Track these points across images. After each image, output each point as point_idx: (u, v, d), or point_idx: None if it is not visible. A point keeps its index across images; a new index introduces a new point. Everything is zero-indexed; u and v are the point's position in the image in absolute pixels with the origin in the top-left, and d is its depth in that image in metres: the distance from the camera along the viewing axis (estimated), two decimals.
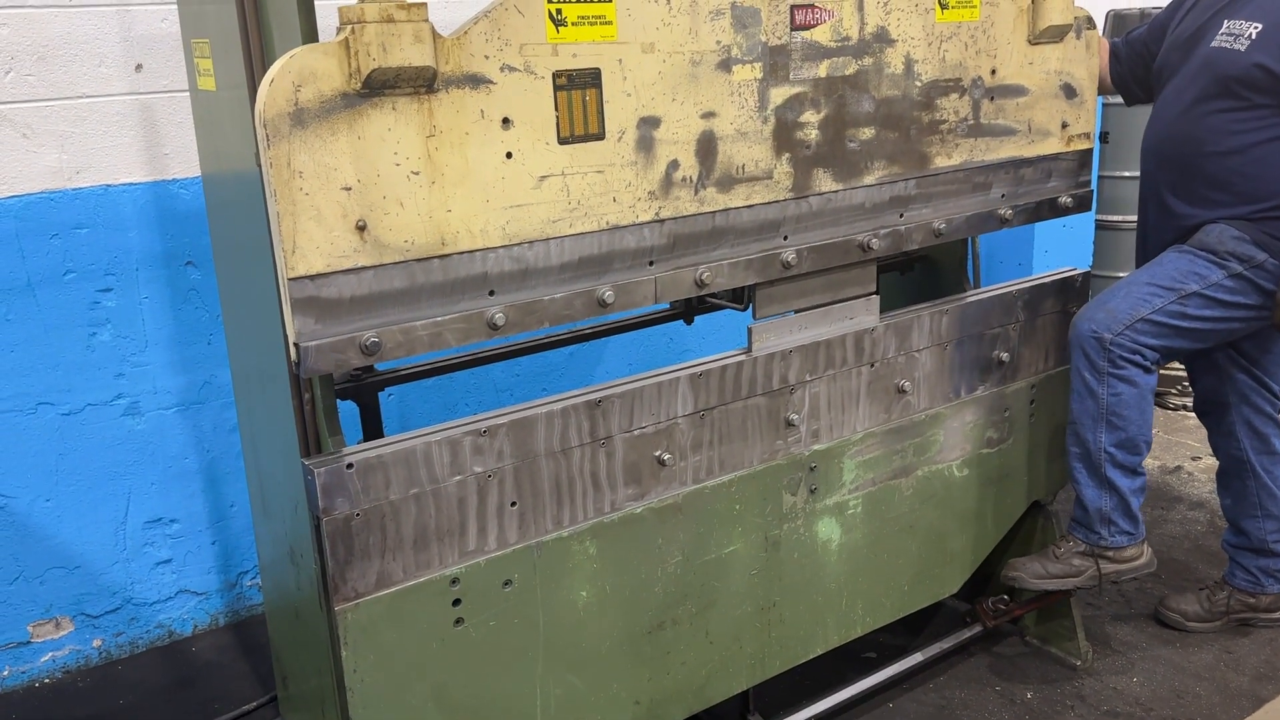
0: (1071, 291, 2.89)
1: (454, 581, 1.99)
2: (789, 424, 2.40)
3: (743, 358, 2.31)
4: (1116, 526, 2.75)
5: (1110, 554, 2.77)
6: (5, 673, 3.11)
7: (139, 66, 3.04)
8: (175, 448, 3.26)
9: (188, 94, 2.40)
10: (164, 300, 3.17)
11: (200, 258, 3.19)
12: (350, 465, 1.85)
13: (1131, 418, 2.69)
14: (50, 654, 3.17)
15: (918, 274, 3.05)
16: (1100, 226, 4.96)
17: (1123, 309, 2.68)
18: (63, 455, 3.08)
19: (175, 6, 2.37)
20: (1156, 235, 2.92)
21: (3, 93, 2.86)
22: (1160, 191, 2.87)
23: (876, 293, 2.53)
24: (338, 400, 2.11)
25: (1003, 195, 2.62)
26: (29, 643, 3.13)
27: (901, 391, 2.58)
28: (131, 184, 3.08)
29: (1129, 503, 2.75)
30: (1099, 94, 3.06)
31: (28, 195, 2.93)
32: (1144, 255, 2.98)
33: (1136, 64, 3.02)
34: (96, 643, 3.24)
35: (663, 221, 2.07)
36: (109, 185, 3.04)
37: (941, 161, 2.47)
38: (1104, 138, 4.84)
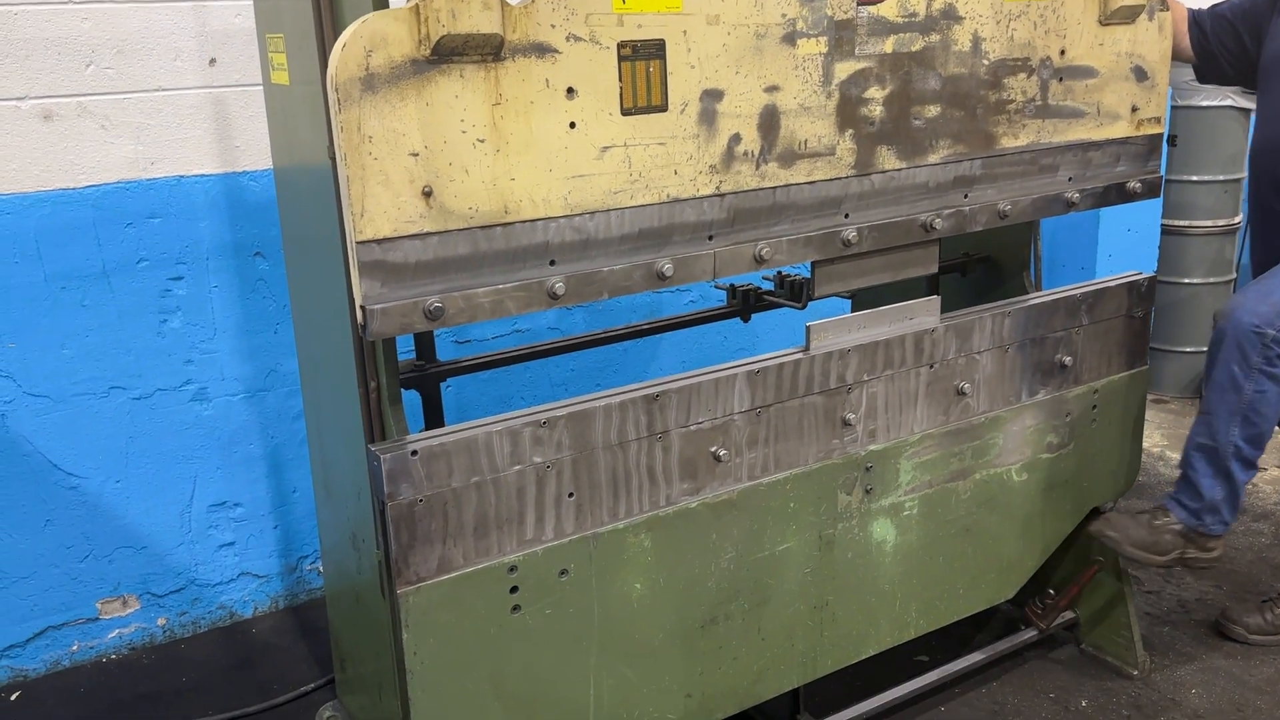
0: (1137, 295, 2.84)
1: (512, 569, 2.02)
2: (846, 423, 2.40)
3: (800, 356, 2.31)
4: (1219, 516, 2.72)
5: (1200, 541, 2.74)
6: (75, 647, 3.21)
7: (213, 60, 3.12)
8: (241, 434, 3.34)
9: (259, 88, 2.46)
10: (233, 290, 3.24)
11: (269, 249, 3.26)
12: (415, 452, 1.88)
13: (1268, 415, 2.66)
14: (117, 631, 3.27)
15: (979, 276, 3.03)
16: (1166, 231, 4.87)
17: None
18: (132, 438, 3.18)
19: (250, 2, 2.43)
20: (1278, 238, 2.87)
21: (83, 85, 2.95)
22: None
23: (937, 290, 2.51)
24: (401, 390, 2.15)
25: (1070, 178, 2.59)
26: (97, 619, 3.23)
27: (961, 393, 2.56)
28: (203, 175, 3.16)
29: (1238, 494, 2.73)
30: (1171, 59, 2.98)
31: (104, 185, 3.02)
32: (1265, 256, 2.92)
33: (1223, 43, 2.92)
34: (161, 621, 3.33)
35: (723, 195, 2.07)
36: (182, 176, 3.12)
37: (1008, 142, 2.44)
38: (1171, 141, 4.75)
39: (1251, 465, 2.71)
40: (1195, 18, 2.97)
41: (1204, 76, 3.04)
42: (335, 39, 2.00)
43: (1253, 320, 2.62)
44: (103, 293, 3.06)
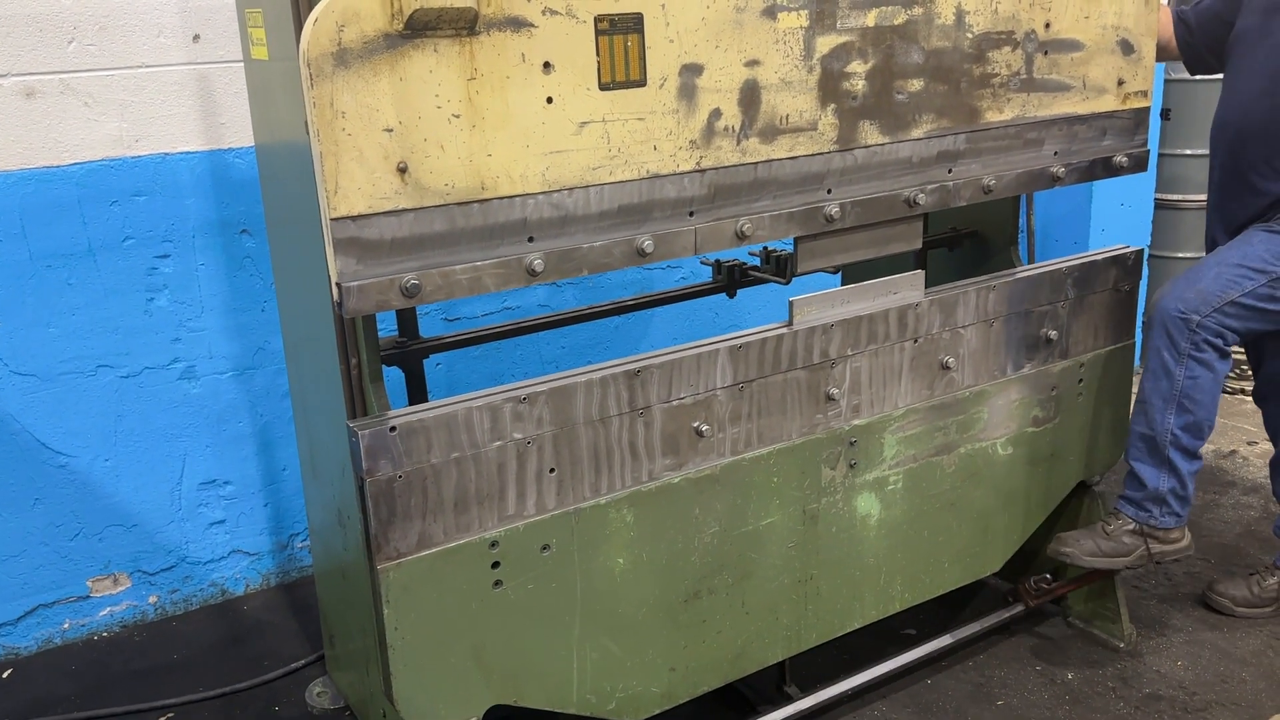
0: (1124, 269, 2.84)
1: (493, 544, 2.02)
2: (829, 398, 2.40)
3: (783, 331, 2.30)
4: (1168, 508, 2.72)
5: (1158, 534, 2.74)
6: (66, 625, 3.23)
7: (196, 37, 3.10)
8: (229, 412, 3.34)
9: (242, 64, 2.45)
10: (219, 267, 3.24)
11: (255, 226, 3.25)
12: (393, 428, 1.88)
13: (1203, 402, 2.66)
14: (108, 608, 3.28)
15: (966, 250, 3.02)
16: (1159, 205, 4.86)
17: (1213, 290, 2.63)
18: (121, 417, 3.18)
19: None
20: (1236, 211, 2.85)
21: (65, 62, 2.93)
22: (1241, 167, 2.80)
23: (924, 265, 2.50)
24: (384, 367, 2.15)
25: (1055, 153, 2.58)
26: (88, 597, 3.25)
27: (945, 368, 2.56)
28: (189, 152, 3.14)
29: (1185, 485, 2.73)
30: (1157, 60, 2.99)
31: (89, 163, 3.01)
32: (1222, 230, 2.91)
33: (1209, 34, 2.93)
34: (152, 599, 3.34)
35: (704, 171, 2.06)
36: (167, 154, 3.11)
37: (992, 116, 2.43)
38: (1165, 114, 4.73)
39: (1193, 455, 2.72)
40: (1180, 16, 2.98)
41: (1193, 70, 3.07)
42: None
43: (1179, 307, 2.64)
44: (89, 271, 3.05)
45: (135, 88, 3.04)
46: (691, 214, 2.07)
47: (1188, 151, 4.77)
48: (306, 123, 1.72)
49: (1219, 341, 2.63)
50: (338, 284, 1.75)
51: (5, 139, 2.89)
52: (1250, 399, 4.57)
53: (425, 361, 2.45)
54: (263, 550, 3.49)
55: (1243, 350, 3.18)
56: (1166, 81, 4.68)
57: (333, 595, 2.64)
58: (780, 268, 2.54)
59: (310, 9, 1.98)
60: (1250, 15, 2.80)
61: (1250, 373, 4.70)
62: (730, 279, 2.77)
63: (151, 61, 3.05)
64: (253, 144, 3.14)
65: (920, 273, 2.49)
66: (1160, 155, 4.77)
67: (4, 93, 2.87)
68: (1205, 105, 4.71)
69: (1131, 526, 2.74)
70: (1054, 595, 2.97)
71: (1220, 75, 2.97)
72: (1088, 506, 2.99)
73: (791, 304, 2.32)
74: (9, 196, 2.92)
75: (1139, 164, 2.74)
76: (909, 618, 3.03)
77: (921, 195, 2.36)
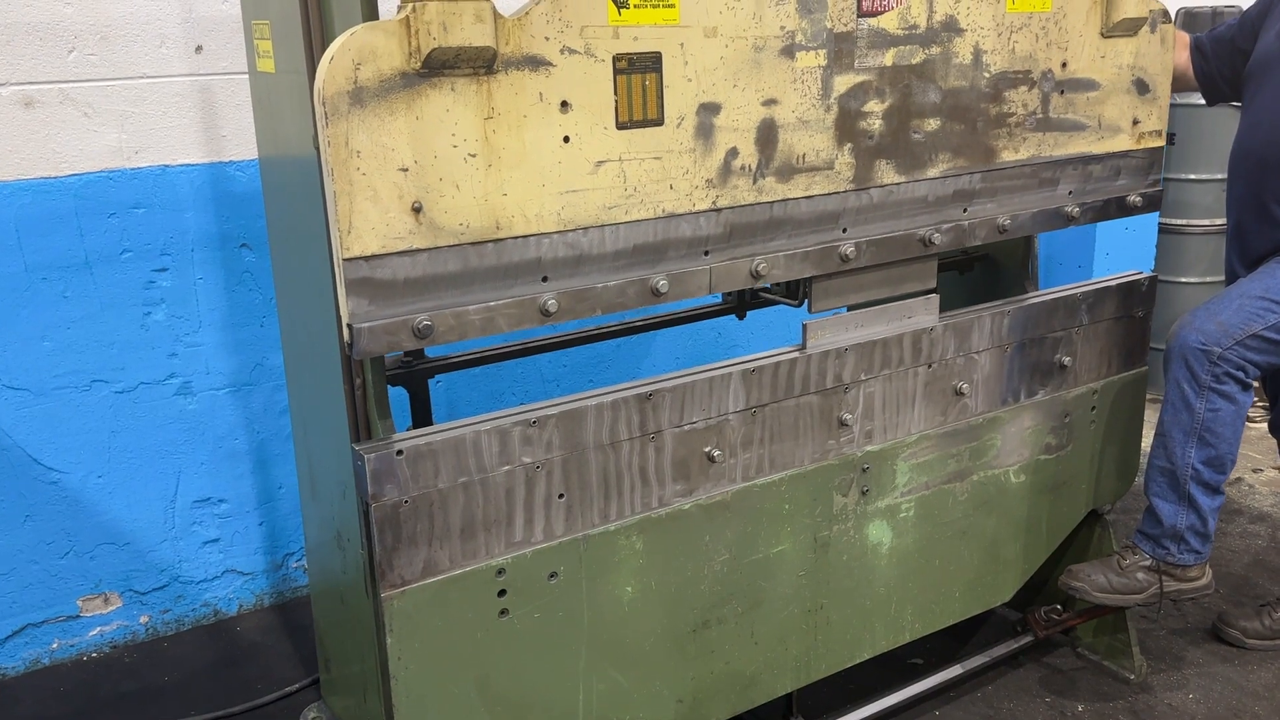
0: (1137, 295, 2.80)
1: (500, 572, 1.97)
2: (842, 424, 2.35)
3: (796, 355, 2.26)
4: (1187, 545, 2.67)
5: (1176, 572, 2.68)
6: (55, 645, 3.16)
7: (199, 48, 3.05)
8: (225, 428, 3.28)
9: (246, 76, 2.41)
10: (218, 282, 3.18)
11: (255, 240, 3.20)
12: (400, 452, 1.83)
13: (1225, 435, 2.61)
14: (99, 628, 3.21)
15: (978, 274, 2.98)
16: (1164, 230, 4.84)
17: (1235, 323, 2.58)
18: (115, 433, 3.12)
19: None
20: (1258, 244, 2.82)
21: (65, 72, 2.88)
22: (1262, 197, 2.77)
23: (936, 291, 2.47)
24: (388, 386, 2.10)
25: (1070, 192, 2.56)
26: (78, 616, 3.17)
27: (959, 394, 2.52)
28: (189, 165, 3.09)
29: (1206, 522, 2.66)
30: (1175, 90, 2.97)
31: (87, 174, 2.96)
32: (1243, 262, 2.88)
33: (1224, 63, 2.91)
34: (144, 619, 3.27)
35: (720, 210, 2.03)
36: (167, 166, 3.06)
37: (1008, 156, 2.41)
38: (1170, 139, 4.71)
39: (1214, 490, 2.66)
40: (1196, 44, 2.96)
41: (1210, 99, 3.04)
42: (321, 26, 1.96)
43: (1200, 339, 2.59)
44: (85, 284, 2.99)
45: (136, 98, 2.99)
46: (707, 253, 2.04)
47: (1192, 176, 4.75)
48: (320, 161, 1.68)
49: (1240, 375, 2.58)
50: (349, 325, 1.71)
51: (2, 149, 2.84)
52: (1256, 425, 4.56)
53: (428, 380, 2.40)
54: (257, 570, 3.43)
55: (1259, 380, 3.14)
56: (1172, 105, 4.66)
57: (329, 618, 2.58)
58: (792, 290, 2.50)
59: (321, 22, 1.95)
60: (1269, 42, 2.77)
61: (1258, 400, 4.69)
62: (741, 300, 2.73)
63: (153, 72, 3.00)
64: (254, 157, 3.10)
65: (935, 296, 2.45)
66: (1165, 180, 4.76)
67: (2, 102, 2.82)
68: (1210, 130, 4.70)
69: (1147, 562, 2.69)
70: (1064, 626, 2.92)
71: (1234, 104, 2.95)
72: (1098, 535, 2.95)
73: (805, 327, 2.28)
74: (5, 207, 2.86)
75: (1153, 204, 2.72)
76: (916, 647, 2.97)
77: (937, 235, 2.33)
